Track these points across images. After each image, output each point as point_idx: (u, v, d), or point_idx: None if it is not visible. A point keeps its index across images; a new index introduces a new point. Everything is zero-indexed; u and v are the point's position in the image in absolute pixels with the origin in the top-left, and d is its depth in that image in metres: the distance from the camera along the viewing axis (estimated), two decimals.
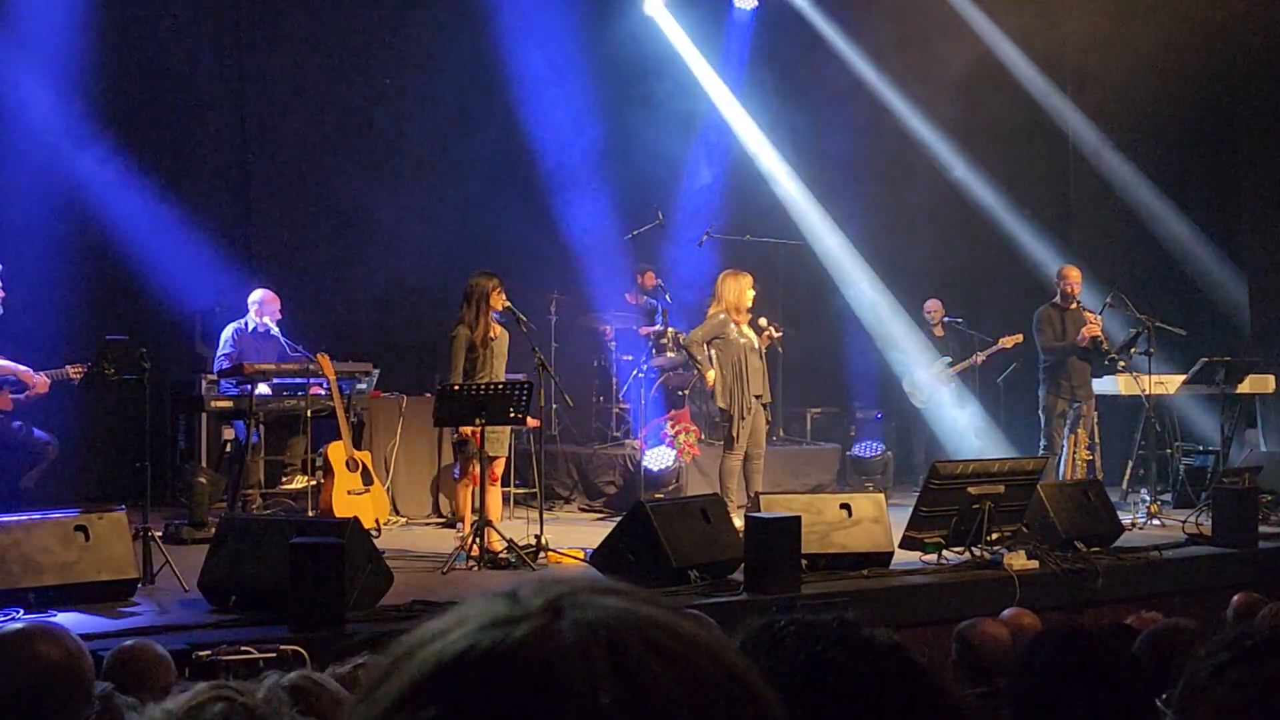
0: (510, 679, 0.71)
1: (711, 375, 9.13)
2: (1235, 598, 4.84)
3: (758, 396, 9.14)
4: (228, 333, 9.77)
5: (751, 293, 9.18)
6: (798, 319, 11.98)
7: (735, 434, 9.07)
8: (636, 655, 0.72)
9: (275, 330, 9.67)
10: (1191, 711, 1.72)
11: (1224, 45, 12.30)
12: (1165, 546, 8.41)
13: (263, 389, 9.47)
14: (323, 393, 9.36)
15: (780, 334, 9.40)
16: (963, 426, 11.93)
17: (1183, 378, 10.50)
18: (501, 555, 7.68)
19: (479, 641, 0.74)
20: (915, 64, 12.68)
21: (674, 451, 10.44)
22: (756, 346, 9.17)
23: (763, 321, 9.33)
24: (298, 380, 9.47)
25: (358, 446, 9.24)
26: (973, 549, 7.71)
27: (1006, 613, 4.88)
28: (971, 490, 7.71)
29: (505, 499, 8.99)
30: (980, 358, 11.74)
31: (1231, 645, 1.72)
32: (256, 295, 9.73)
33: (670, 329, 11.37)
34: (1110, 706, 2.54)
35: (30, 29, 10.02)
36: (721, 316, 9.15)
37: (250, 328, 9.71)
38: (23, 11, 10.03)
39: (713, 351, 9.19)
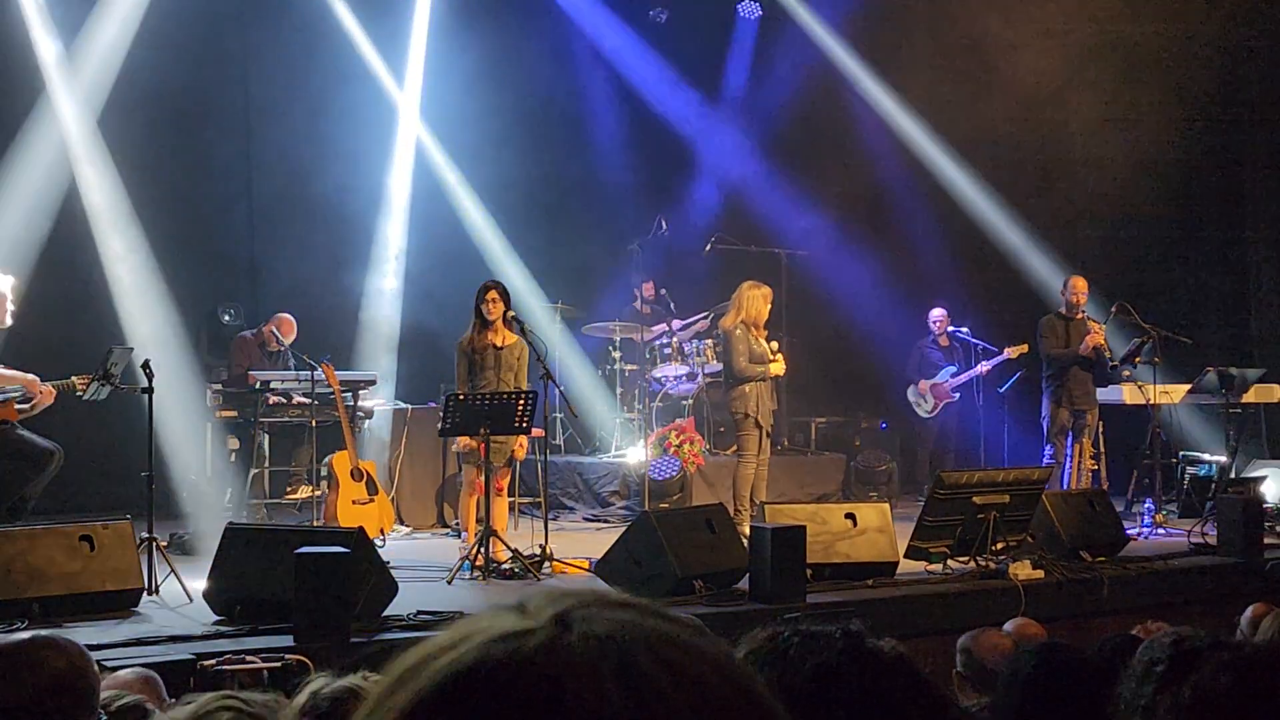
0: (520, 692, 0.72)
1: (777, 367, 9.19)
2: (1249, 609, 4.81)
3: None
4: (235, 343, 9.79)
5: (769, 306, 9.25)
6: (801, 328, 11.98)
7: (758, 443, 9.17)
8: (645, 669, 0.73)
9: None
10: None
11: (1229, 49, 12.30)
12: (1170, 556, 8.40)
13: (268, 399, 9.50)
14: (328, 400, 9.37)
15: (783, 360, 9.41)
16: (968, 436, 11.91)
17: (1188, 387, 10.49)
18: (506, 565, 7.68)
19: (488, 654, 0.74)
20: (913, 73, 12.69)
21: (678, 461, 10.44)
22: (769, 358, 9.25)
23: (774, 345, 9.35)
24: (302, 390, 9.49)
25: (362, 456, 9.25)
26: (978, 559, 7.70)
27: (1011, 623, 4.86)
28: (977, 500, 7.70)
29: (510, 509, 8.98)
30: (985, 367, 11.74)
31: (1162, 662, 1.77)
32: (279, 317, 9.84)
33: (675, 339, 11.38)
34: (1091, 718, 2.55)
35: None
36: (739, 331, 9.18)
37: (258, 340, 9.75)
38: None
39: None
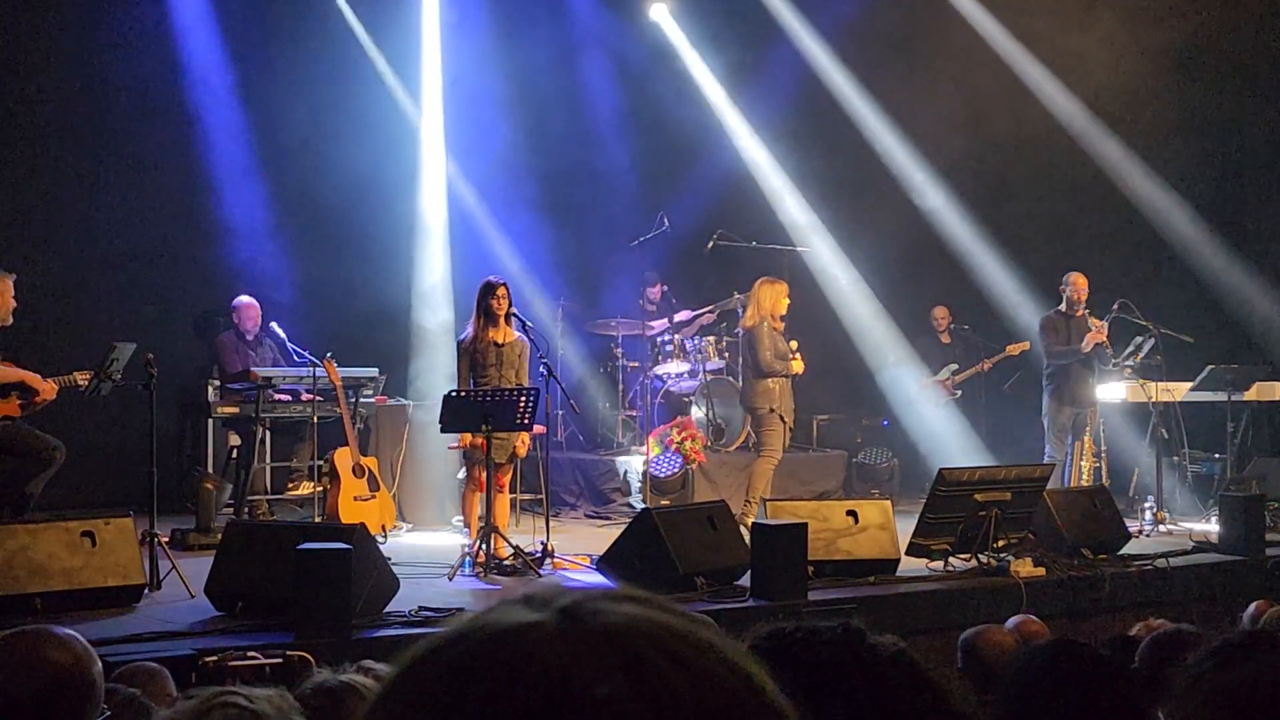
0: (527, 685, 0.71)
1: (796, 366, 9.34)
2: (1251, 606, 4.81)
3: None
4: (217, 343, 9.83)
5: (786, 301, 9.33)
6: (803, 325, 11.96)
7: (782, 437, 9.33)
8: (652, 661, 0.72)
9: (281, 334, 9.70)
10: (1181, 715, 1.78)
11: (1233, 43, 12.28)
12: (1172, 554, 8.39)
13: (269, 395, 9.49)
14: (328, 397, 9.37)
15: (801, 359, 9.47)
16: (968, 433, 11.91)
17: (1190, 385, 10.48)
18: (508, 562, 7.68)
19: (495, 647, 0.74)
20: (916, 68, 12.67)
21: (680, 458, 10.44)
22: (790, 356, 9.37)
23: (794, 344, 9.41)
24: (304, 386, 9.48)
25: (364, 452, 9.24)
26: (979, 556, 7.71)
27: (1013, 620, 4.86)
28: (978, 497, 7.71)
29: (511, 505, 8.99)
30: (987, 364, 11.74)
31: (1214, 653, 1.79)
32: (241, 302, 9.88)
33: (677, 336, 11.39)
34: (1102, 717, 2.54)
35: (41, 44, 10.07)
36: (765, 327, 9.24)
37: (241, 334, 9.78)
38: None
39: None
